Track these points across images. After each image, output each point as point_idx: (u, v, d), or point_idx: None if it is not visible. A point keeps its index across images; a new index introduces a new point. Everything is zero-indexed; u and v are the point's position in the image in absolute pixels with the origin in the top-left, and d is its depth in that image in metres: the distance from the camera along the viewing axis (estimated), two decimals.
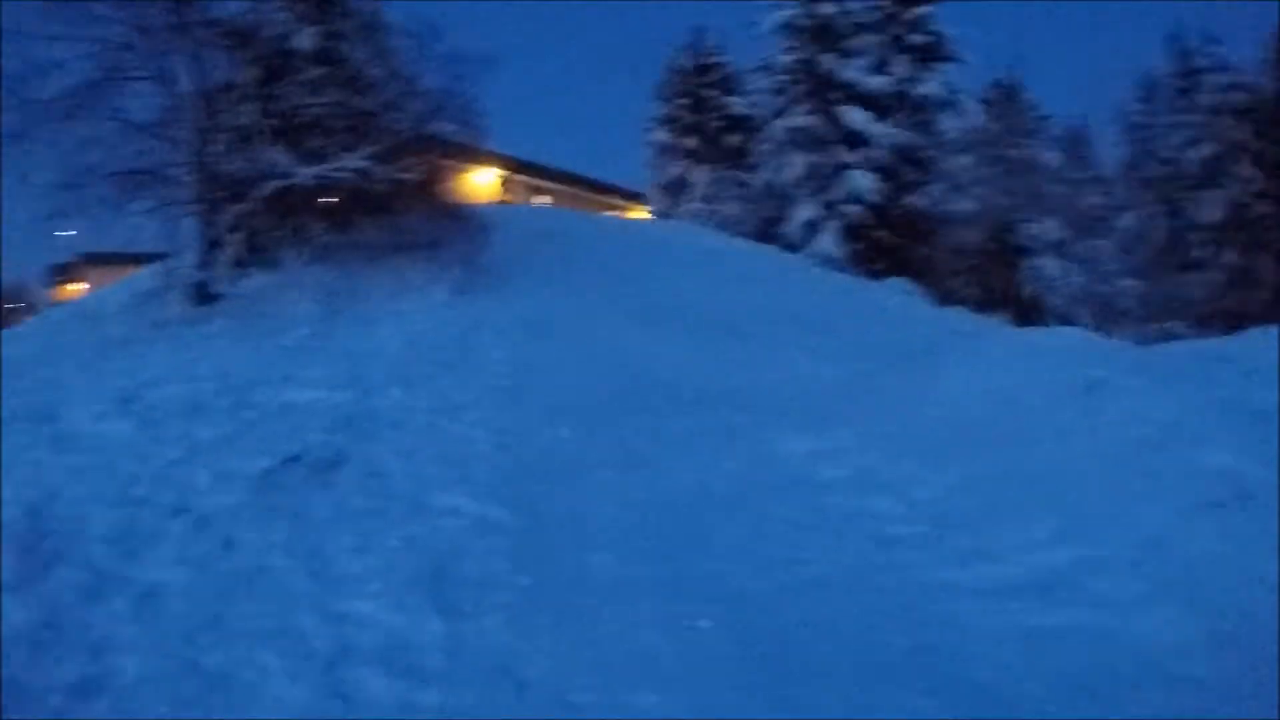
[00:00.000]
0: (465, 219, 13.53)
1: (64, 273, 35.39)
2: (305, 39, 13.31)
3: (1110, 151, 34.46)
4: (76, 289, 33.12)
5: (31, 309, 35.72)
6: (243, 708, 3.63)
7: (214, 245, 11.92)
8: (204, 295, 11.30)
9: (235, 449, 6.45)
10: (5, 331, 14.44)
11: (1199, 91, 26.48)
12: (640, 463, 6.63)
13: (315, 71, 13.31)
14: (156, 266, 12.39)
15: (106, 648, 3.97)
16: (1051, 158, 24.47)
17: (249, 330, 10.20)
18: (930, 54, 24.85)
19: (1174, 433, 5.93)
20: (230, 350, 9.44)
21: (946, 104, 24.49)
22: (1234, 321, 16.62)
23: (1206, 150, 25.16)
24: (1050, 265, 21.05)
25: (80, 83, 11.13)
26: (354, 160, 12.30)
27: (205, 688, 3.73)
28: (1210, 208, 24.65)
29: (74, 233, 13.85)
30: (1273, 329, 10.09)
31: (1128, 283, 24.90)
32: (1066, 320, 19.59)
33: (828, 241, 22.77)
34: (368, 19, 14.42)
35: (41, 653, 3.88)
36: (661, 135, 32.45)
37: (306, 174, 12.06)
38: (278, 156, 12.27)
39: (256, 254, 13.16)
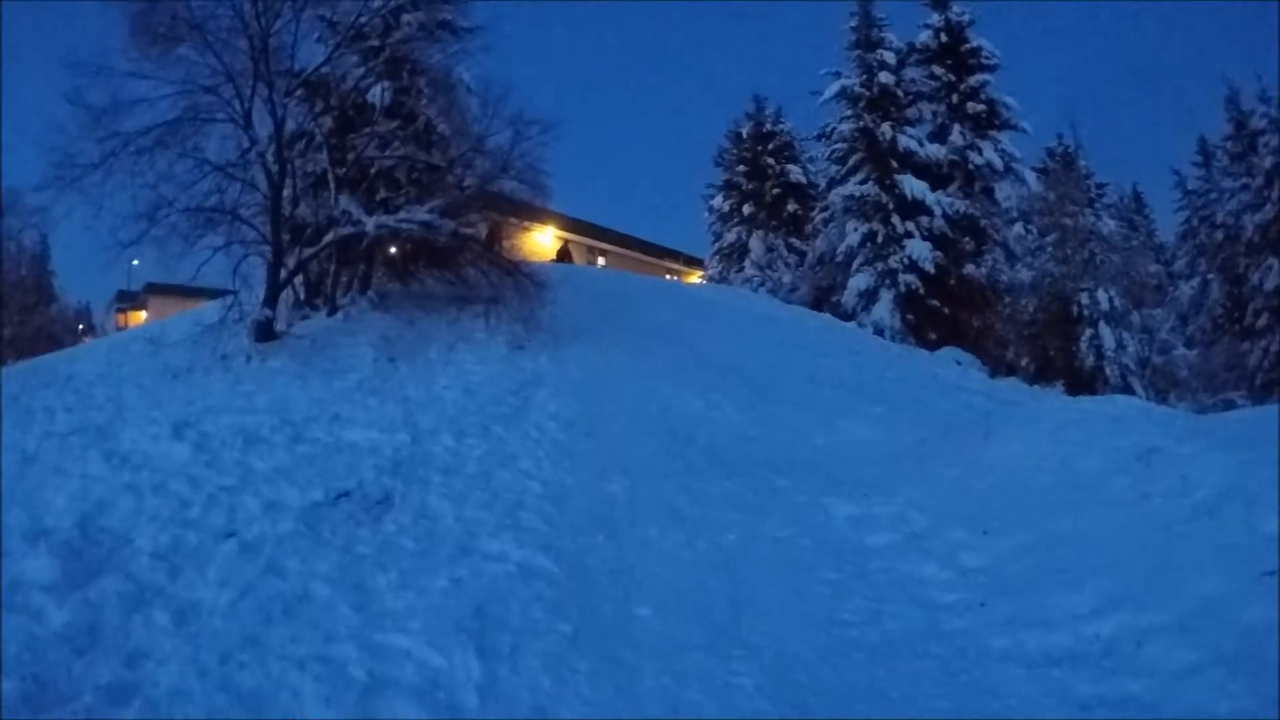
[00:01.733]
0: (525, 276, 13.77)
1: (128, 300, 36.65)
2: (378, 94, 13.84)
3: (1167, 218, 34.06)
4: (138, 316, 34.28)
5: (95, 332, 37.15)
6: None
7: (279, 285, 12.28)
8: (266, 332, 11.63)
9: (288, 481, 6.60)
10: (69, 350, 14.96)
11: (1256, 154, 25.98)
12: (685, 521, 6.61)
13: (387, 125, 13.83)
14: (221, 301, 12.81)
15: (143, 656, 4.07)
16: (1108, 225, 24.15)
17: (308, 369, 10.46)
18: (987, 122, 24.89)
19: (1228, 499, 5.74)
20: (289, 387, 9.69)
21: (1003, 172, 24.43)
22: None
23: (1265, 214, 24.57)
24: (1106, 334, 20.64)
25: (162, 120, 11.70)
26: (419, 213, 12.68)
27: (237, 704, 3.79)
28: (1269, 274, 24.01)
29: (140, 264, 14.36)
30: None
31: (1184, 351, 24.28)
32: (1122, 390, 19.12)
33: (882, 310, 22.67)
34: (439, 77, 14.98)
35: (78, 655, 3.99)
36: (720, 201, 32.83)
37: (373, 223, 12.44)
38: (346, 204, 12.70)
39: (319, 296, 13.56)
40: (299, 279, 13.20)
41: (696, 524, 6.55)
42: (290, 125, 12.90)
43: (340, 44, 13.62)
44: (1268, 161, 24.89)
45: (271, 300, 12.07)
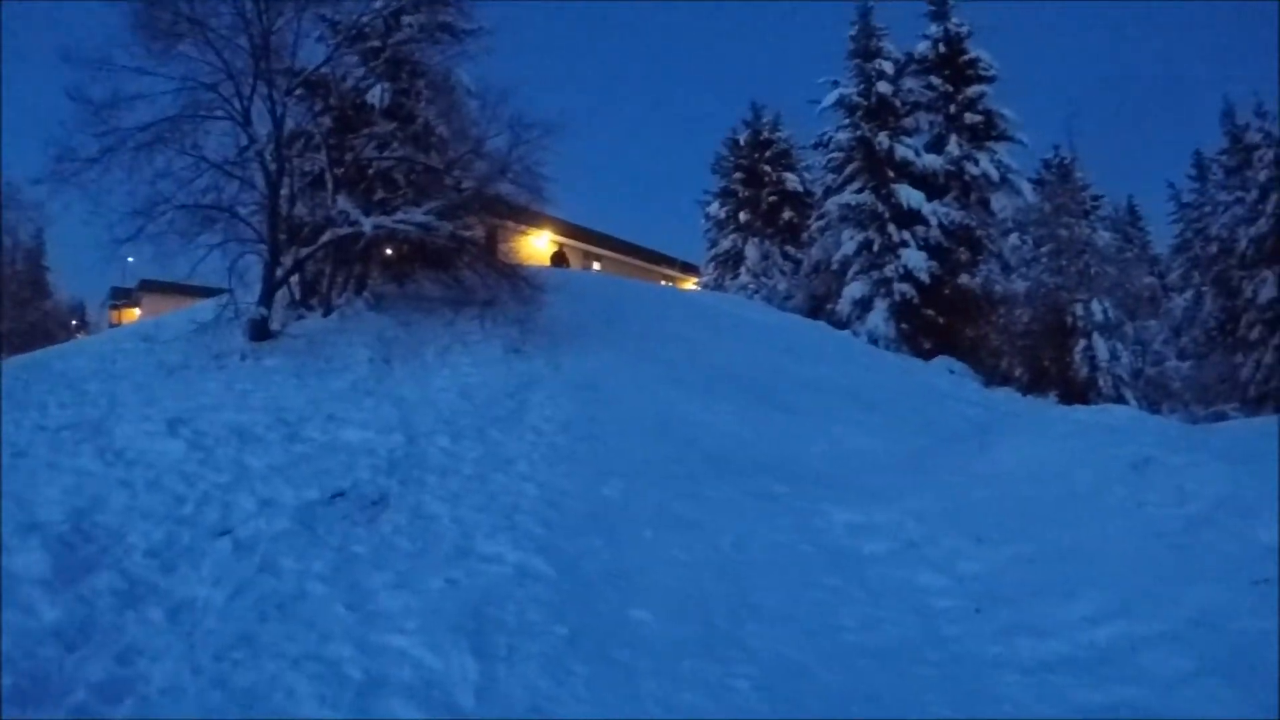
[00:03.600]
0: (522, 279, 13.74)
1: (122, 297, 36.54)
2: (378, 94, 13.83)
3: (1163, 230, 34.25)
4: (132, 313, 34.17)
5: (89, 328, 37.05)
6: None
7: (275, 284, 12.24)
8: (262, 331, 11.57)
9: (283, 479, 6.57)
10: (63, 345, 14.88)
11: (1251, 168, 26.15)
12: (683, 525, 6.58)
13: (386, 126, 13.80)
14: (216, 299, 12.74)
15: (136, 653, 4.04)
16: (1103, 237, 24.23)
17: (304, 369, 10.42)
18: (984, 133, 25.01)
19: (1223, 509, 5.79)
20: (284, 386, 9.66)
21: (999, 183, 24.52)
22: None
23: (1259, 228, 24.66)
24: (1100, 345, 20.69)
25: (162, 116, 11.64)
26: (417, 214, 12.65)
27: (232, 702, 3.76)
28: (1263, 287, 24.12)
29: (136, 260, 14.31)
30: None
31: (1177, 363, 24.34)
32: (1116, 401, 19.16)
33: (877, 319, 22.74)
34: (439, 79, 14.97)
35: (71, 651, 3.96)
36: (716, 208, 32.85)
37: (370, 224, 12.40)
38: (344, 205, 12.66)
39: (315, 296, 13.52)
40: (295, 278, 13.16)
41: (694, 528, 6.53)
42: (289, 124, 12.87)
43: (340, 44, 13.62)
44: (1262, 175, 25.04)
45: (267, 299, 12.02)
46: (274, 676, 3.94)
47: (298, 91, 13.12)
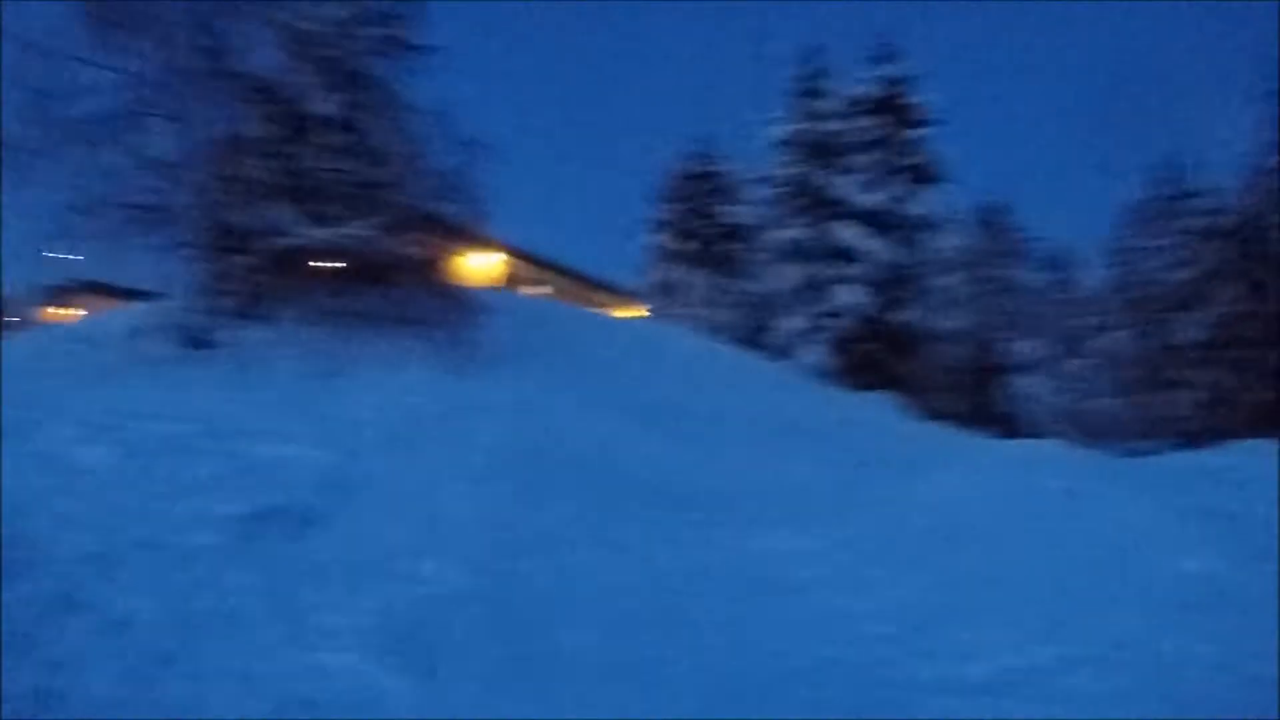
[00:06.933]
0: (462, 299, 13.67)
1: (58, 295, 35.17)
2: (326, 104, 13.71)
3: (1095, 274, 35.56)
4: (68, 313, 32.90)
5: (22, 326, 35.46)
6: None
7: (213, 292, 11.98)
8: (197, 339, 11.32)
9: (215, 492, 6.41)
10: None
11: (1183, 216, 27.46)
12: (618, 550, 6.60)
13: (331, 137, 13.68)
14: (153, 304, 12.41)
15: (65, 666, 3.95)
16: (1036, 278, 25.09)
17: (239, 379, 10.22)
18: (923, 175, 25.79)
19: (1150, 539, 6.08)
20: (217, 396, 9.44)
21: (936, 223, 25.29)
22: (1214, 440, 16.75)
23: (1188, 273, 25.86)
24: (1033, 383, 21.41)
25: (104, 111, 11.35)
26: (359, 228, 12.53)
27: (161, 716, 3.72)
28: (1191, 329, 25.22)
29: (78, 258, 13.93)
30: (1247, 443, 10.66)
31: (1108, 401, 25.28)
32: (1045, 436, 19.80)
33: (815, 352, 23.18)
34: (388, 94, 14.91)
35: None
36: (659, 238, 33.16)
37: (311, 235, 12.25)
38: (285, 214, 12.48)
39: (253, 306, 13.27)
40: (234, 286, 12.90)
41: (629, 552, 6.58)
42: (234, 129, 12.67)
43: (293, 51, 13.48)
44: (1194, 222, 26.27)
45: (204, 307, 11.77)
46: (205, 692, 3.89)
47: (245, 96, 12.93)
